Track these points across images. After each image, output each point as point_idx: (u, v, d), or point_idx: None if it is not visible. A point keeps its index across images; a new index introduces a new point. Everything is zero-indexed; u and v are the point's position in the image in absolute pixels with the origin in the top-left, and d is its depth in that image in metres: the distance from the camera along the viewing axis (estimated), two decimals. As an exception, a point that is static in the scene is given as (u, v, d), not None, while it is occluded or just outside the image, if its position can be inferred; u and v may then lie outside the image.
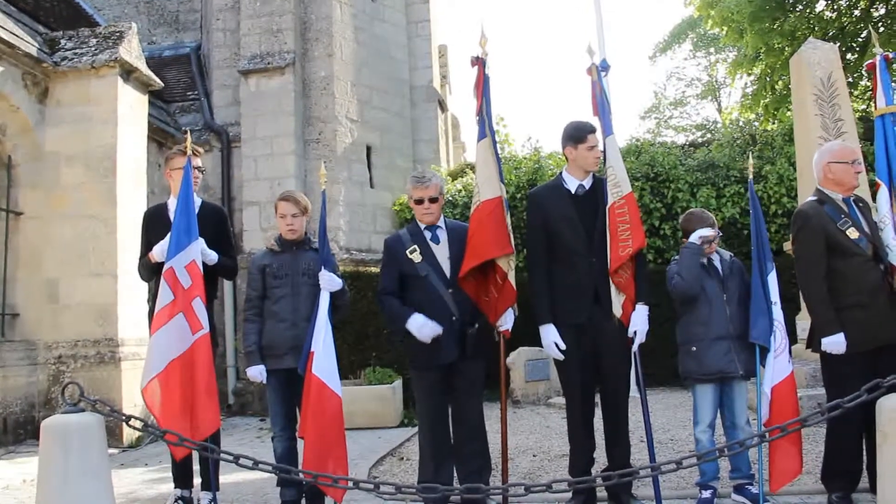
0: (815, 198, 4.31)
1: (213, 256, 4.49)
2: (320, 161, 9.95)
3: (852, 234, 4.14)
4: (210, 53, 11.23)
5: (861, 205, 4.31)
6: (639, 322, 4.23)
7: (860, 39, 12.18)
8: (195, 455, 4.61)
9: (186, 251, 4.13)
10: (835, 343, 4.01)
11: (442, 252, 4.42)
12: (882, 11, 13.32)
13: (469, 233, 4.40)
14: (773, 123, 12.94)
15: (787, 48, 12.79)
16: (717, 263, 4.49)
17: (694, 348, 4.34)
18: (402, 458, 6.19)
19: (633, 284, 4.23)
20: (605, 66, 4.53)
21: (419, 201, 4.42)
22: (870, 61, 4.60)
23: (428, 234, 4.46)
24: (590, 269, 4.26)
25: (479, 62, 4.59)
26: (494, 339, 4.51)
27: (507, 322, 4.41)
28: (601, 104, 4.49)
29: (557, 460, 5.74)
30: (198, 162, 4.69)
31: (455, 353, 4.29)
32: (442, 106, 12.64)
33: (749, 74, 14.91)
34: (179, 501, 4.63)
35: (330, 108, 10.10)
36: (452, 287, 4.32)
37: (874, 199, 4.46)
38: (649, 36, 39.24)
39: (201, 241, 4.33)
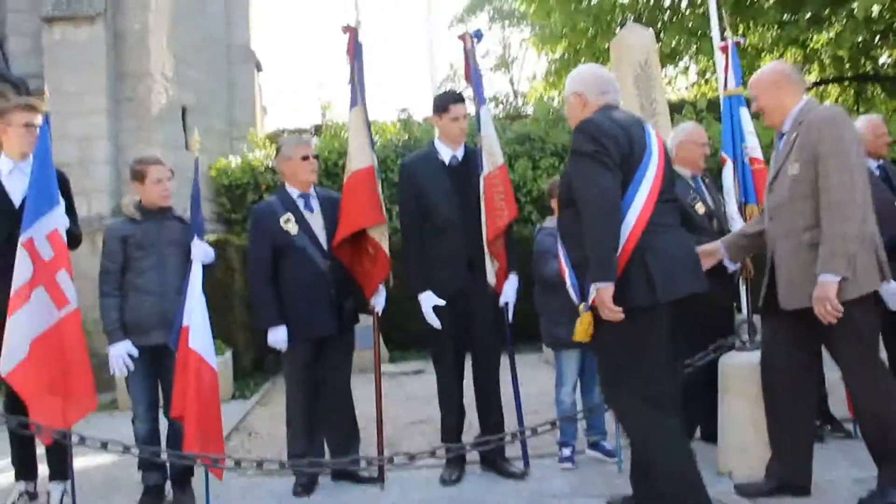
0: (668, 174, 4.66)
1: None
2: (134, 120, 9.31)
3: (700, 209, 4.54)
4: (4, -7, 10.05)
5: (707, 181, 4.73)
6: (510, 292, 4.40)
7: (657, 27, 13.09)
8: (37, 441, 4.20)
9: (47, 219, 3.73)
10: None
11: (317, 221, 4.33)
12: (668, 2, 14.43)
13: (342, 202, 4.35)
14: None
15: (590, 28, 13.54)
16: None
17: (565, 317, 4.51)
18: (250, 434, 6.01)
19: (505, 254, 4.38)
20: (478, 35, 4.60)
21: (305, 157, 4.31)
22: (722, 44, 5.06)
23: (301, 203, 4.34)
24: (463, 238, 4.33)
25: (351, 30, 4.52)
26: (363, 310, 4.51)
27: (379, 301, 4.43)
28: (474, 73, 4.57)
29: (410, 427, 5.83)
30: (39, 119, 4.24)
31: (333, 325, 4.26)
32: (258, 67, 12.21)
33: (553, 52, 15.61)
34: (24, 496, 4.22)
35: (145, 63, 9.37)
36: (330, 258, 4.26)
37: (720, 175, 4.92)
38: (447, 6, 39.95)
39: (63, 207, 3.92)
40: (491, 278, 4.32)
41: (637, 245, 3.08)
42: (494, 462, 4.39)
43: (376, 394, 4.45)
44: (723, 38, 5.31)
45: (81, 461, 4.66)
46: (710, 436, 4.43)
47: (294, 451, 4.31)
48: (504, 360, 4.49)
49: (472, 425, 4.62)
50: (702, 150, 4.62)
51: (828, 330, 3.33)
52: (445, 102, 4.43)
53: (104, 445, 3.65)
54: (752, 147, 4.91)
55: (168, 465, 4.15)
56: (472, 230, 4.31)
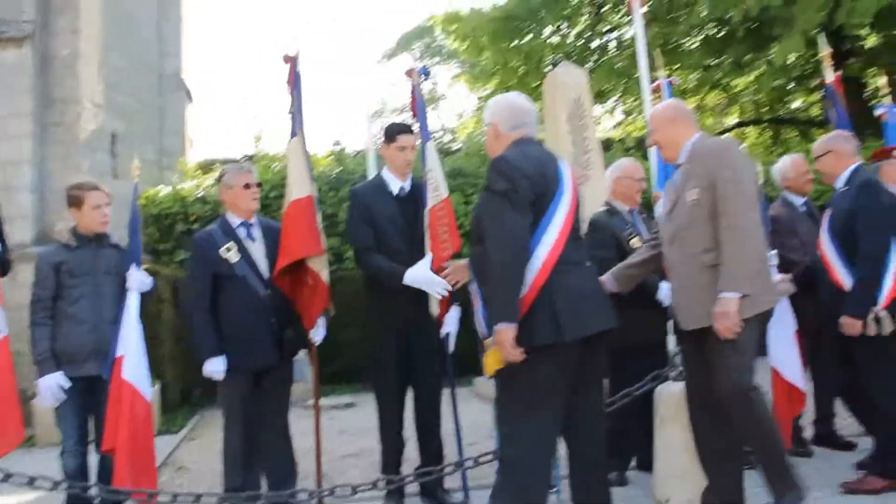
0: (605, 209, 4.78)
1: None
2: (61, 147, 9.12)
3: (636, 243, 4.64)
4: (-77, 12, 9.71)
5: (644, 216, 4.86)
6: (452, 324, 4.42)
7: (590, 65, 13.48)
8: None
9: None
10: None
11: (258, 250, 4.27)
12: (596, 43, 14.88)
13: (282, 232, 4.31)
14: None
15: (521, 67, 13.84)
16: None
17: None
18: (180, 468, 5.85)
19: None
20: (425, 72, 4.67)
21: (248, 185, 4.26)
22: (655, 84, 5.23)
23: (243, 231, 4.29)
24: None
25: (291, 60, 4.52)
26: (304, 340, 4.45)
27: (318, 335, 4.38)
28: (420, 108, 4.62)
29: (344, 460, 5.76)
30: None
31: (275, 356, 4.19)
32: (190, 96, 12.08)
33: (484, 89, 15.87)
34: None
35: (73, 89, 9.19)
36: (271, 288, 4.21)
37: (651, 210, 5.06)
38: (379, 41, 40.15)
39: None
40: (434, 309, 4.33)
41: (545, 283, 3.05)
42: (434, 493, 4.36)
43: (315, 425, 4.39)
44: (654, 79, 5.50)
45: (1, 500, 4.46)
46: (647, 465, 4.50)
47: (230, 484, 4.18)
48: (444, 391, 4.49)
49: (408, 457, 4.60)
50: (638, 185, 4.75)
51: (714, 345, 3.40)
52: (392, 132, 4.47)
53: (31, 481, 3.52)
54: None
55: (98, 501, 4.01)
56: (419, 260, 4.32)
